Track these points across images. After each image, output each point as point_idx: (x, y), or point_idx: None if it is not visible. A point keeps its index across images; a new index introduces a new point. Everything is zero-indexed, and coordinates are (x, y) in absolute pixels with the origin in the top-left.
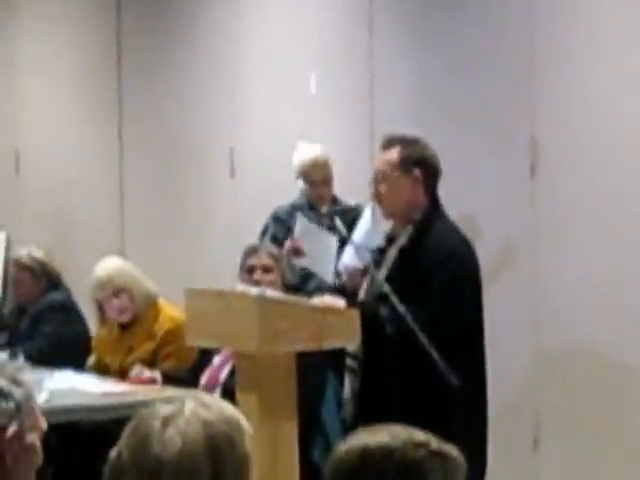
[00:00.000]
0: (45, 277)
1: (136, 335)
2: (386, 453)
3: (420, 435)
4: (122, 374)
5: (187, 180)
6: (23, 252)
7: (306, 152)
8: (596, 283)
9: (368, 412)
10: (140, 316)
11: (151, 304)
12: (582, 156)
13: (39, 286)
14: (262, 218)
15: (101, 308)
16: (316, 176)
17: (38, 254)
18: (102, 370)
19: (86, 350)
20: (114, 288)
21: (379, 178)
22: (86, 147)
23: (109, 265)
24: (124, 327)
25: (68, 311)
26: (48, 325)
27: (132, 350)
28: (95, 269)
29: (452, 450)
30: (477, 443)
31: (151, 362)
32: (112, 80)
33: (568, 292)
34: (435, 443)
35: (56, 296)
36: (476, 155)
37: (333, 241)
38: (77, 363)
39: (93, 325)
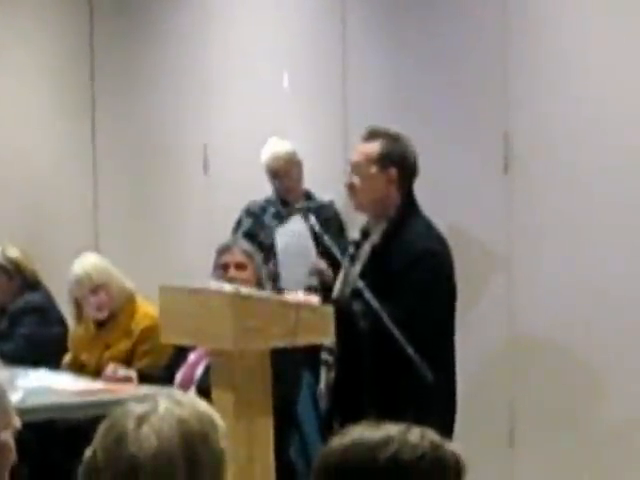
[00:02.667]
0: (20, 276)
1: (113, 332)
2: (376, 450)
3: (416, 433)
4: (98, 372)
5: (161, 177)
6: None
7: (269, 147)
8: (571, 276)
9: (342, 406)
10: (117, 313)
11: (128, 301)
12: (555, 151)
13: (14, 285)
14: (236, 214)
15: (78, 306)
16: (279, 169)
17: (12, 253)
18: (78, 368)
19: (64, 350)
20: (92, 285)
21: (354, 169)
22: (59, 146)
23: (86, 262)
24: (101, 324)
25: (45, 312)
26: (24, 327)
27: (108, 348)
28: (72, 266)
29: (451, 450)
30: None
31: (127, 360)
32: (85, 79)
33: (543, 286)
34: (432, 441)
35: (33, 297)
36: (449, 151)
37: (310, 244)
38: (54, 364)
39: (72, 323)
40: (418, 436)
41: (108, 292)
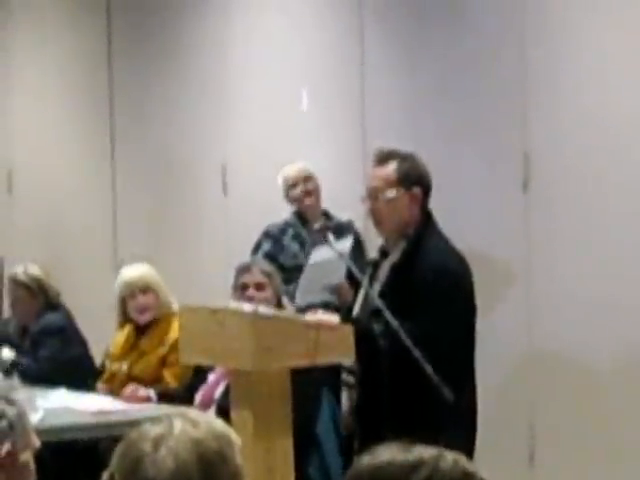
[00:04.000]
0: (42, 294)
1: (151, 340)
2: (408, 473)
3: (449, 459)
4: (132, 378)
5: (180, 197)
6: (19, 269)
7: (284, 171)
8: (590, 293)
9: (364, 426)
10: (157, 322)
11: (169, 312)
12: (574, 170)
13: (36, 304)
14: (255, 235)
15: (124, 308)
16: (296, 178)
17: (34, 271)
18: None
19: (86, 370)
20: (144, 284)
21: (374, 195)
22: (78, 166)
23: (140, 266)
24: (140, 331)
25: (66, 333)
26: (46, 349)
27: (143, 355)
28: (124, 270)
29: (481, 478)
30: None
31: (159, 368)
32: (104, 99)
33: (562, 305)
34: (464, 470)
35: (54, 317)
36: (469, 170)
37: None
38: (76, 385)
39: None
40: (450, 463)
41: (157, 296)
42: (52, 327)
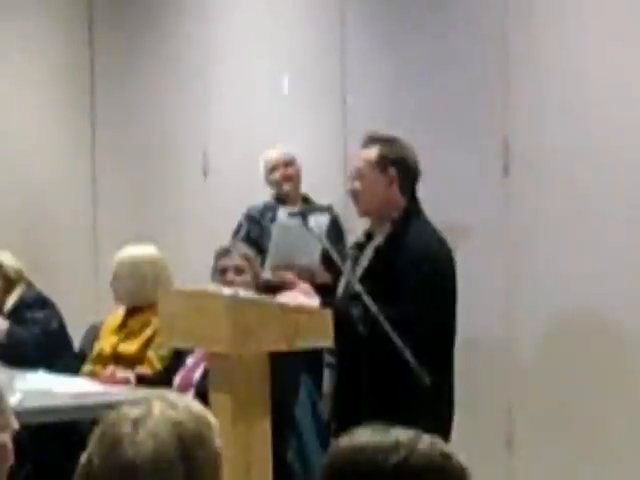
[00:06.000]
0: (4, 276)
1: (139, 321)
2: (386, 455)
3: (426, 441)
4: (115, 359)
5: (160, 181)
6: None
7: (265, 154)
8: (569, 279)
9: (342, 410)
10: (150, 305)
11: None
12: (554, 156)
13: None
14: (235, 218)
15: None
16: (277, 161)
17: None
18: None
19: (65, 345)
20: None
21: (355, 175)
22: (59, 150)
23: (135, 248)
24: (131, 313)
25: (44, 303)
26: (30, 322)
27: (130, 335)
28: (122, 250)
29: (458, 461)
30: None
31: (139, 357)
32: (85, 85)
33: (541, 289)
34: (442, 451)
35: (25, 292)
36: (449, 155)
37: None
38: (57, 359)
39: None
40: (428, 445)
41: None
42: (29, 300)
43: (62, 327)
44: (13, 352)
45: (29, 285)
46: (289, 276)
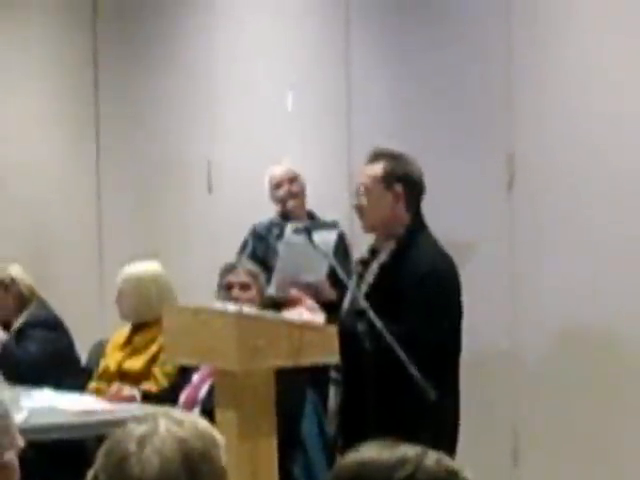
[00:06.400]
0: (15, 288)
1: (144, 337)
2: (392, 470)
3: (432, 457)
4: (120, 376)
5: (165, 195)
6: None
7: (270, 170)
8: (574, 293)
9: (348, 426)
10: (155, 320)
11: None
12: (558, 171)
13: (10, 298)
14: (240, 233)
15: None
16: (281, 178)
17: (12, 270)
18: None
19: (72, 363)
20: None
21: (361, 191)
22: (63, 163)
23: (139, 265)
24: (136, 329)
25: (53, 325)
26: (33, 341)
27: (135, 352)
28: (126, 267)
29: (465, 478)
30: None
31: (144, 373)
32: (89, 99)
33: (547, 304)
34: (448, 468)
35: (35, 311)
36: (454, 170)
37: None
38: (62, 377)
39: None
40: (434, 461)
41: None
42: (37, 320)
43: (68, 348)
44: (4, 366)
45: (42, 304)
46: (294, 292)
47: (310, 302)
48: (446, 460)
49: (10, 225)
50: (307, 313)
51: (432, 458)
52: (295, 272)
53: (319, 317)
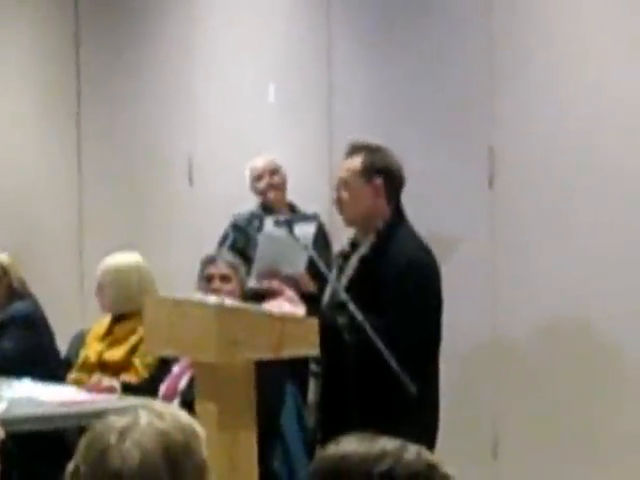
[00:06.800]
0: (6, 280)
1: (124, 328)
2: (372, 463)
3: (412, 451)
4: (101, 366)
5: (146, 188)
6: None
7: (251, 162)
8: (555, 289)
9: (328, 419)
10: (135, 312)
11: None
12: (540, 167)
13: (1, 289)
14: (221, 226)
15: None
16: (263, 169)
17: (3, 259)
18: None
19: (52, 361)
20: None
21: (341, 185)
22: (45, 157)
23: (118, 256)
24: (117, 320)
25: (31, 322)
26: (11, 340)
27: (116, 342)
28: (107, 258)
29: (444, 472)
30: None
31: (125, 364)
32: (71, 92)
33: (527, 300)
34: (428, 461)
35: (20, 307)
36: (435, 165)
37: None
38: (41, 375)
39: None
40: (414, 454)
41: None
42: (18, 316)
43: (44, 348)
44: None
45: (30, 299)
46: (275, 283)
47: (290, 293)
48: (426, 454)
49: None
50: (288, 305)
51: (412, 452)
52: (274, 264)
53: (300, 309)
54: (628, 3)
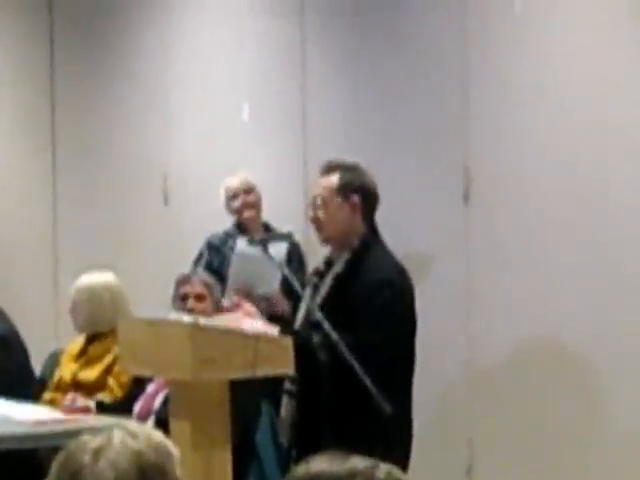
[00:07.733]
0: None
1: (98, 348)
2: None
3: (383, 470)
4: (75, 386)
5: (121, 208)
6: None
7: (226, 182)
8: (529, 308)
9: (303, 437)
10: (109, 331)
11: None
12: (514, 184)
13: None
14: (196, 245)
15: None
16: (237, 188)
17: None
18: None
19: (26, 381)
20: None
21: (317, 203)
22: (19, 176)
23: (93, 276)
24: (91, 340)
25: (6, 342)
26: None
27: (90, 362)
28: (82, 277)
29: None
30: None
31: (99, 384)
32: (45, 110)
33: (501, 317)
34: (396, 478)
35: None
36: (410, 182)
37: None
38: (16, 394)
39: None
40: (385, 473)
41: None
42: None
43: (23, 366)
44: None
45: (3, 318)
46: (234, 298)
47: (248, 306)
48: (397, 473)
49: None
50: (261, 323)
51: (383, 471)
52: (248, 283)
53: (274, 328)
54: (593, 24)
